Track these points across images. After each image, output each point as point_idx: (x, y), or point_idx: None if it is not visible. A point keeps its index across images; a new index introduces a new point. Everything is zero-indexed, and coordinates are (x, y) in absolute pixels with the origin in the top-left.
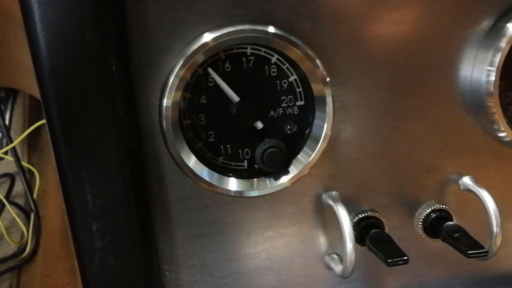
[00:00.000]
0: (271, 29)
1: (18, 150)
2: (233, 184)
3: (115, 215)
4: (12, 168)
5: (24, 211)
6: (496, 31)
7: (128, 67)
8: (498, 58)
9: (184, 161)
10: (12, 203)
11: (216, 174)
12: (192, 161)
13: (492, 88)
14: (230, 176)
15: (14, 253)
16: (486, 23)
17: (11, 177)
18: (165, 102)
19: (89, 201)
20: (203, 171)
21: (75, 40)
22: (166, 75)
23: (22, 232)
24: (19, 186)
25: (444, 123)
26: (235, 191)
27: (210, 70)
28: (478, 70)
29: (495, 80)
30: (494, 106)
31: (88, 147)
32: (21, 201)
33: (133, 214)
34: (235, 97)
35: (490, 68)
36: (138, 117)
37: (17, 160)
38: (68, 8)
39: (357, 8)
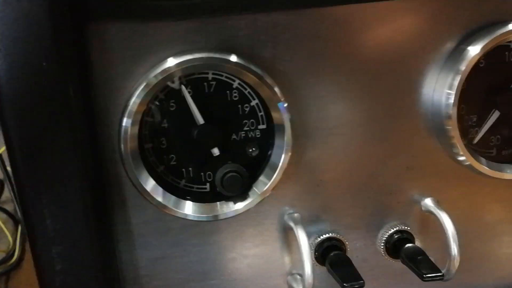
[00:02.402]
0: (232, 57)
1: (6, 157)
2: (189, 207)
3: (75, 239)
4: (1, 174)
5: (13, 218)
6: (457, 54)
7: (88, 92)
8: (457, 81)
9: (141, 185)
10: (0, 209)
11: (173, 198)
12: (150, 185)
13: (451, 111)
14: (187, 199)
15: (3, 258)
16: (448, 46)
17: (0, 182)
18: (124, 126)
19: (48, 226)
20: (160, 195)
21: (32, 69)
22: (126, 100)
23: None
24: (8, 192)
25: (407, 145)
26: (192, 215)
27: (183, 88)
28: (439, 93)
29: (453, 103)
30: (453, 130)
31: (48, 173)
32: (10, 207)
33: (94, 238)
34: (200, 119)
35: (449, 91)
36: (98, 142)
37: (3, 166)
38: (26, 37)
39: (318, 33)
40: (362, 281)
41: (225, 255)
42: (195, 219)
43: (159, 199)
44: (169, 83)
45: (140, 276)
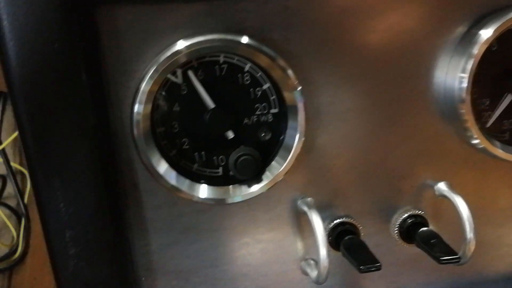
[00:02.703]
0: (243, 39)
1: (9, 152)
2: (203, 191)
3: (88, 222)
4: (4, 170)
5: (16, 213)
6: (469, 38)
7: (100, 75)
8: (471, 64)
9: (155, 168)
10: (3, 204)
11: (187, 181)
12: (163, 169)
13: (464, 95)
14: (202, 183)
15: (5, 254)
16: (459, 31)
17: (3, 178)
18: (136, 109)
19: (61, 209)
20: (174, 179)
21: (44, 50)
22: (138, 83)
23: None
24: (11, 187)
25: (419, 130)
26: (206, 198)
27: (190, 73)
28: (451, 77)
29: (467, 87)
30: (467, 113)
31: (60, 156)
32: (13, 203)
33: (107, 222)
34: (210, 104)
35: (462, 75)
36: (110, 125)
37: (7, 161)
38: (37, 19)
39: (330, 17)
40: (379, 264)
41: (238, 240)
42: (210, 202)
43: (173, 182)
44: (169, 76)
45: (152, 262)
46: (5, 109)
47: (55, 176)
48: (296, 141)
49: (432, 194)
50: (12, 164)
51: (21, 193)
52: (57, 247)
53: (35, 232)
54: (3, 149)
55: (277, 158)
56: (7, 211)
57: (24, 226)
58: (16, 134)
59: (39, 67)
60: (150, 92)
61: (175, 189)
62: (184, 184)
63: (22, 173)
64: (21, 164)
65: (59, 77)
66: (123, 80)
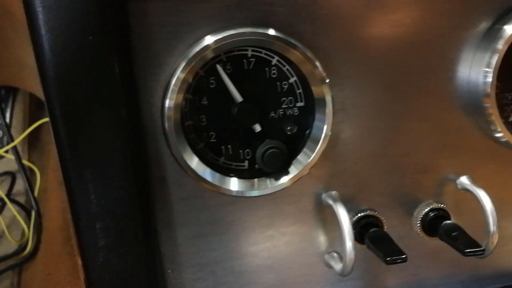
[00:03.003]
0: (271, 31)
1: (19, 148)
2: (234, 184)
3: (118, 214)
4: (13, 166)
5: (25, 209)
6: (493, 33)
7: (131, 68)
8: (495, 59)
9: (186, 162)
10: (12, 201)
11: (218, 175)
12: (194, 162)
13: (489, 89)
14: (231, 176)
15: (15, 251)
16: (483, 25)
17: (12, 175)
18: (167, 103)
19: (92, 201)
20: (206, 172)
21: (78, 42)
22: (168, 77)
23: (23, 230)
24: (20, 184)
25: (442, 124)
26: (237, 191)
27: (218, 67)
28: (476, 71)
29: (492, 81)
30: (491, 107)
31: (92, 148)
32: (21, 200)
33: (136, 214)
34: (238, 97)
35: (487, 69)
36: (140, 118)
37: (18, 158)
38: (72, 12)
39: (356, 11)
40: (405, 256)
41: (263, 233)
42: (238, 195)
43: (204, 176)
44: (198, 70)
45: (178, 254)
46: (14, 106)
47: (87, 168)
48: (324, 134)
49: (453, 187)
50: (24, 161)
51: (32, 189)
52: (87, 239)
53: (48, 228)
54: (15, 146)
55: (303, 151)
56: (16, 208)
57: (35, 221)
58: (28, 131)
59: (73, 60)
60: (181, 86)
61: (205, 182)
62: (215, 178)
63: (30, 169)
64: (29, 160)
65: (92, 69)
66: (153, 73)
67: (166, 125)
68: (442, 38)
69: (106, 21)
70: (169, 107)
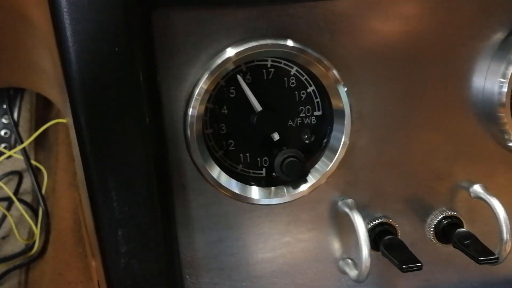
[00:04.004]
0: (291, 43)
1: (26, 148)
2: (255, 192)
3: (140, 221)
4: (20, 166)
5: (32, 209)
6: (508, 43)
7: (155, 78)
8: (511, 70)
9: (207, 169)
10: (20, 200)
11: (238, 183)
12: (215, 171)
13: (504, 99)
14: (252, 185)
15: (22, 250)
16: (499, 36)
17: (19, 174)
18: (190, 112)
19: (115, 208)
20: (226, 180)
21: (105, 53)
22: (190, 87)
23: (30, 229)
24: (26, 184)
25: (456, 133)
26: (257, 199)
27: (239, 77)
28: (491, 81)
29: (507, 92)
30: (506, 117)
31: (115, 156)
32: (28, 199)
33: (158, 220)
34: (258, 106)
35: (502, 80)
36: (163, 126)
37: (27, 158)
38: (99, 23)
39: (373, 22)
40: (420, 264)
41: (279, 239)
42: (256, 202)
43: (223, 183)
44: (220, 80)
45: (197, 259)
46: (22, 106)
47: (110, 175)
48: (342, 143)
49: (467, 195)
50: (32, 161)
51: (40, 188)
52: (109, 245)
53: (58, 228)
54: (24, 147)
55: (322, 160)
56: (24, 207)
57: (42, 220)
58: (39, 131)
59: (99, 70)
60: (203, 96)
61: (225, 189)
62: (235, 186)
63: (37, 169)
64: (36, 160)
65: (117, 79)
66: (176, 83)
67: (189, 133)
68: (457, 49)
69: (132, 32)
70: (192, 116)
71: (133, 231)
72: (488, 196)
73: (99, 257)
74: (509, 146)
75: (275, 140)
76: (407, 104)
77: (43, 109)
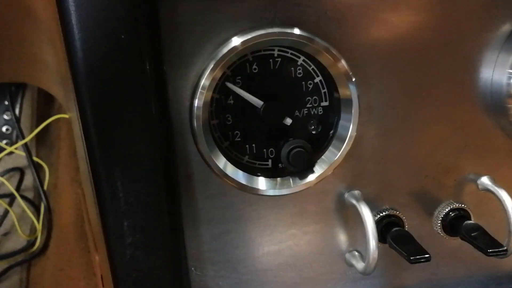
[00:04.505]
0: (298, 32)
1: (28, 144)
2: (262, 183)
3: (146, 212)
4: (21, 162)
5: (34, 205)
6: None
7: (161, 68)
8: None
9: (213, 160)
10: (21, 196)
11: (245, 174)
12: (221, 161)
13: None
14: (258, 176)
15: (24, 247)
16: (507, 27)
17: (21, 171)
18: (196, 102)
19: (121, 199)
20: (232, 171)
21: (111, 41)
22: (197, 76)
23: (32, 225)
24: (28, 180)
25: (464, 125)
26: (263, 190)
27: (229, 84)
28: (499, 73)
29: None
30: None
31: (121, 146)
32: (29, 195)
33: (164, 212)
34: (258, 103)
35: (511, 71)
36: (169, 116)
37: (29, 155)
38: (105, 11)
39: (382, 12)
40: (428, 255)
41: (285, 232)
42: (262, 193)
43: (230, 174)
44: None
45: (203, 252)
46: (23, 103)
47: (116, 166)
48: (349, 134)
49: (474, 187)
50: (34, 158)
51: (42, 184)
52: (115, 236)
53: (59, 224)
54: (25, 143)
55: (329, 150)
56: (25, 203)
57: (44, 217)
58: (40, 127)
59: (105, 58)
60: (209, 86)
61: (231, 180)
62: (241, 177)
63: (39, 165)
64: (38, 156)
65: (124, 68)
66: (182, 73)
67: (195, 123)
68: (466, 40)
69: (138, 20)
70: (198, 106)
71: (139, 223)
72: (496, 188)
73: (103, 250)
74: None
75: (288, 124)
76: (415, 95)
77: (45, 105)
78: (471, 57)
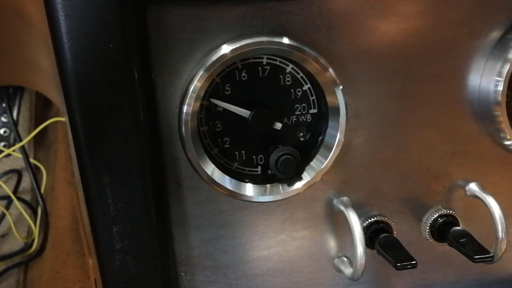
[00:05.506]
0: (287, 41)
1: (25, 147)
2: (249, 189)
3: (135, 218)
4: (19, 164)
5: (31, 207)
6: (504, 43)
7: (150, 75)
8: (506, 69)
9: (202, 167)
10: (19, 199)
11: (233, 180)
12: (209, 167)
13: (500, 98)
14: (246, 182)
15: (21, 248)
16: (494, 35)
17: (18, 173)
18: (185, 109)
19: (110, 205)
20: (221, 177)
21: (99, 50)
22: (185, 84)
23: (29, 228)
24: (25, 182)
25: (452, 131)
26: (251, 196)
27: (213, 100)
28: (487, 80)
29: (503, 90)
30: (501, 115)
31: (110, 153)
32: (27, 197)
33: (152, 218)
34: (245, 113)
35: (498, 78)
36: (158, 123)
37: (26, 157)
38: (94, 20)
39: (370, 20)
40: (415, 262)
41: (275, 237)
42: (251, 200)
43: (219, 181)
44: (215, 78)
45: (192, 257)
46: (21, 105)
47: (105, 172)
48: (337, 141)
49: (463, 194)
50: (31, 160)
51: (39, 187)
52: (104, 241)
53: (56, 226)
54: (23, 145)
55: (317, 157)
56: (23, 205)
57: (41, 219)
58: (37, 130)
59: (94, 67)
60: (198, 93)
61: (220, 187)
62: (230, 183)
63: (36, 168)
64: (35, 158)
65: (112, 76)
66: (171, 80)
67: (183, 130)
68: (454, 47)
69: (127, 29)
70: (186, 113)
71: (128, 228)
72: (484, 194)
73: (94, 255)
74: (505, 144)
75: (278, 129)
76: (403, 102)
77: (43, 108)
78: (459, 64)
